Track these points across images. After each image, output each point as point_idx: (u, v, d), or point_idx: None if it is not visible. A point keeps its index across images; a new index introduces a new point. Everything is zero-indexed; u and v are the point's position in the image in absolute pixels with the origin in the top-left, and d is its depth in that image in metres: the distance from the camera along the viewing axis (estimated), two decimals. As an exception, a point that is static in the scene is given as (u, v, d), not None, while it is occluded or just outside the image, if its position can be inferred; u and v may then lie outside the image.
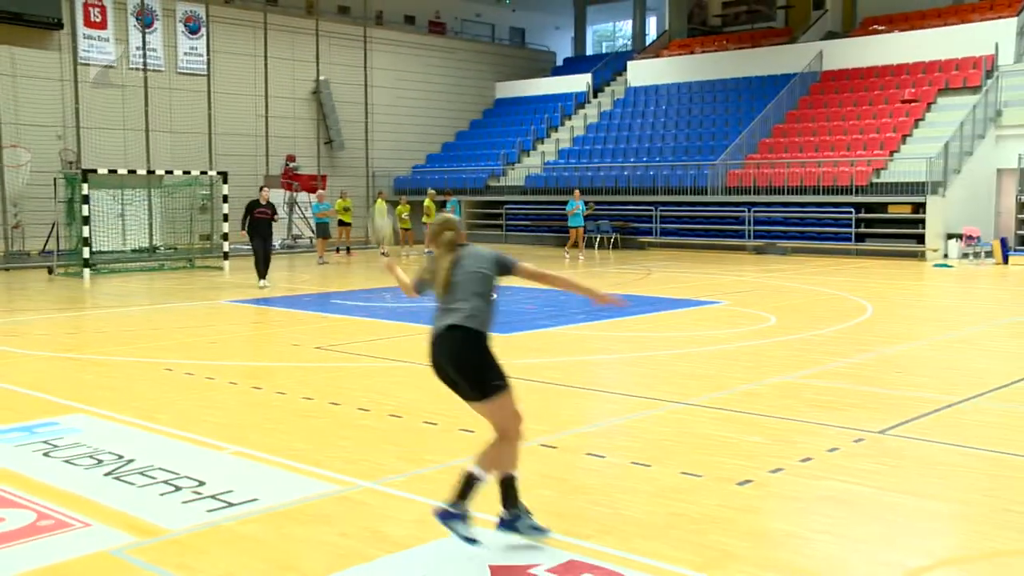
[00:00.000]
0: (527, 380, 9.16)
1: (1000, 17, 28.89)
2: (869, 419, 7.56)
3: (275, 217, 19.18)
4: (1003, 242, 23.23)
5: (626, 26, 45.43)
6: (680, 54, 36.47)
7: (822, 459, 6.45)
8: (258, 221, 18.66)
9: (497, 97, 40.32)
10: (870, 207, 25.35)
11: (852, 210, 25.39)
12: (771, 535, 5.11)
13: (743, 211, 27.40)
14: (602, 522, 5.19)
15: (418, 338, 12.06)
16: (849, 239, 25.43)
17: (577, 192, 26.32)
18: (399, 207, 28.25)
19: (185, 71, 30.40)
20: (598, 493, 5.79)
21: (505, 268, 5.21)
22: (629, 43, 43.98)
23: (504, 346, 11.29)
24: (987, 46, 28.31)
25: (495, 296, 5.15)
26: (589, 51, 45.74)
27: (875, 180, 25.66)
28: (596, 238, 29.15)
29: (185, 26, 30.43)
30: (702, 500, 5.59)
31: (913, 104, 27.96)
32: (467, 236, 5.35)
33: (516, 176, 34.26)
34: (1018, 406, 8.18)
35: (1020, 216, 24.02)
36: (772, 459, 6.40)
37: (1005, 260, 22.83)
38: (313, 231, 28.45)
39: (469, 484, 4.82)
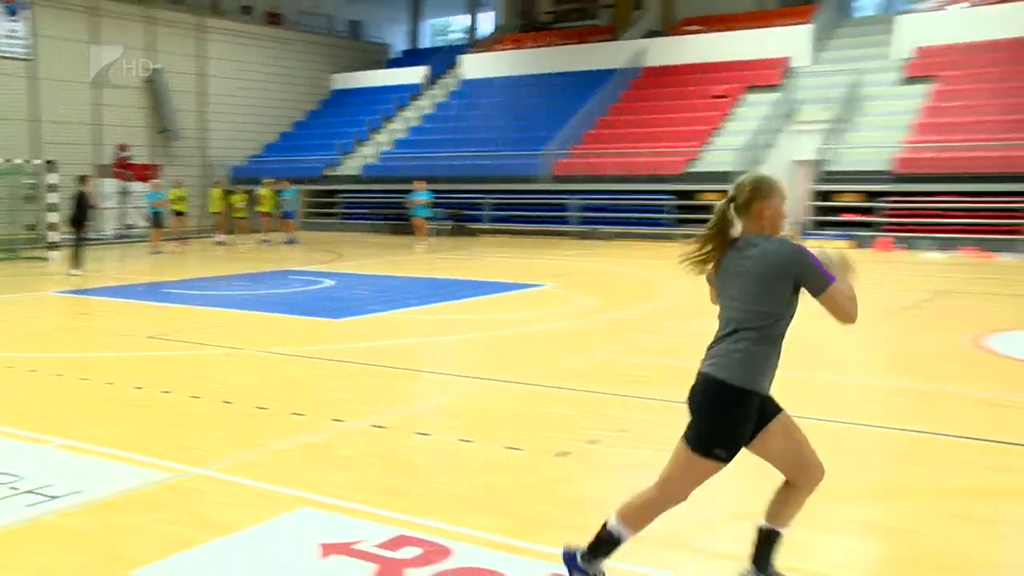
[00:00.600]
0: (359, 364, 9.11)
1: (797, 23, 30.46)
2: (679, 391, 7.84)
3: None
4: (800, 227, 24.48)
5: (460, 21, 45.40)
6: (512, 48, 36.80)
7: (636, 430, 6.66)
8: (85, 212, 18.15)
9: (334, 88, 39.65)
10: (685, 195, 26.26)
11: (669, 197, 26.26)
12: (586, 502, 5.22)
13: (569, 199, 27.91)
14: (429, 497, 5.21)
15: (253, 324, 11.79)
16: (667, 224, 26.29)
17: (423, 184, 26.19)
18: (235, 196, 27.45)
19: (4, 55, 28.50)
20: (425, 469, 5.82)
21: (802, 284, 3.49)
22: (464, 37, 44.01)
23: (337, 332, 11.24)
24: (787, 49, 29.83)
25: (781, 324, 3.58)
26: (425, 44, 45.54)
27: (690, 170, 26.61)
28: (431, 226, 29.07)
29: (4, 6, 28.52)
30: (523, 472, 5.69)
31: (723, 100, 29.11)
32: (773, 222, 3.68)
33: (353, 165, 33.87)
34: (806, 373, 8.62)
35: (813, 203, 25.35)
36: (589, 431, 6.55)
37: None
38: (147, 220, 27.30)
39: (765, 542, 3.88)
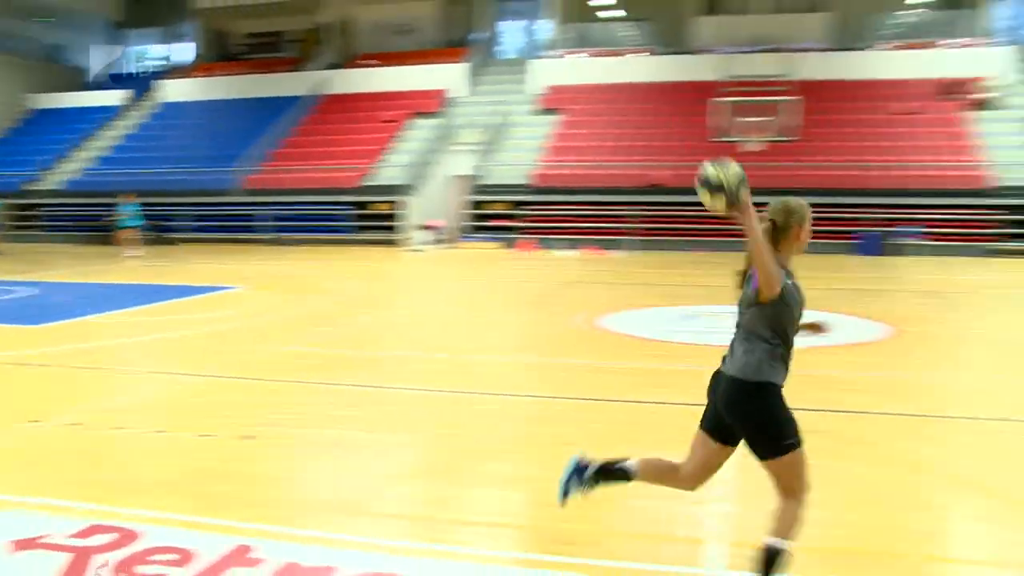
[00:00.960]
0: (58, 366, 8.37)
1: (454, 62, 31.55)
2: (353, 376, 7.97)
3: None
4: (456, 231, 25.46)
5: (162, 48, 42.32)
6: (209, 75, 34.97)
7: (313, 412, 6.68)
8: None
9: (36, 108, 35.66)
10: (361, 205, 26.40)
11: (347, 207, 26.30)
12: (269, 478, 5.19)
13: (259, 210, 27.12)
14: (123, 486, 4.94)
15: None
16: (347, 231, 26.26)
17: (130, 196, 24.15)
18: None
19: None
20: (120, 461, 5.50)
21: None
22: (163, 64, 41.11)
23: (37, 337, 10.21)
24: (446, 82, 30.81)
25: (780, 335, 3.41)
26: (129, 69, 42.02)
27: (364, 183, 26.76)
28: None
29: None
30: (211, 456, 5.55)
31: (393, 124, 29.52)
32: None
33: (55, 181, 30.69)
34: (449, 355, 9.06)
35: (469, 211, 26.45)
36: (273, 415, 6.49)
37: (457, 245, 25.09)
38: None
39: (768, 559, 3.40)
